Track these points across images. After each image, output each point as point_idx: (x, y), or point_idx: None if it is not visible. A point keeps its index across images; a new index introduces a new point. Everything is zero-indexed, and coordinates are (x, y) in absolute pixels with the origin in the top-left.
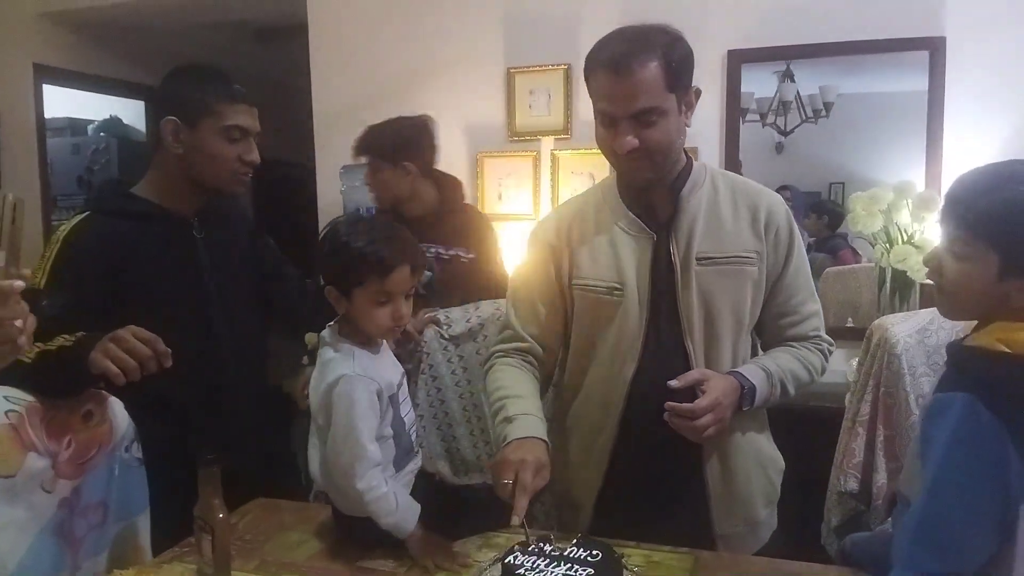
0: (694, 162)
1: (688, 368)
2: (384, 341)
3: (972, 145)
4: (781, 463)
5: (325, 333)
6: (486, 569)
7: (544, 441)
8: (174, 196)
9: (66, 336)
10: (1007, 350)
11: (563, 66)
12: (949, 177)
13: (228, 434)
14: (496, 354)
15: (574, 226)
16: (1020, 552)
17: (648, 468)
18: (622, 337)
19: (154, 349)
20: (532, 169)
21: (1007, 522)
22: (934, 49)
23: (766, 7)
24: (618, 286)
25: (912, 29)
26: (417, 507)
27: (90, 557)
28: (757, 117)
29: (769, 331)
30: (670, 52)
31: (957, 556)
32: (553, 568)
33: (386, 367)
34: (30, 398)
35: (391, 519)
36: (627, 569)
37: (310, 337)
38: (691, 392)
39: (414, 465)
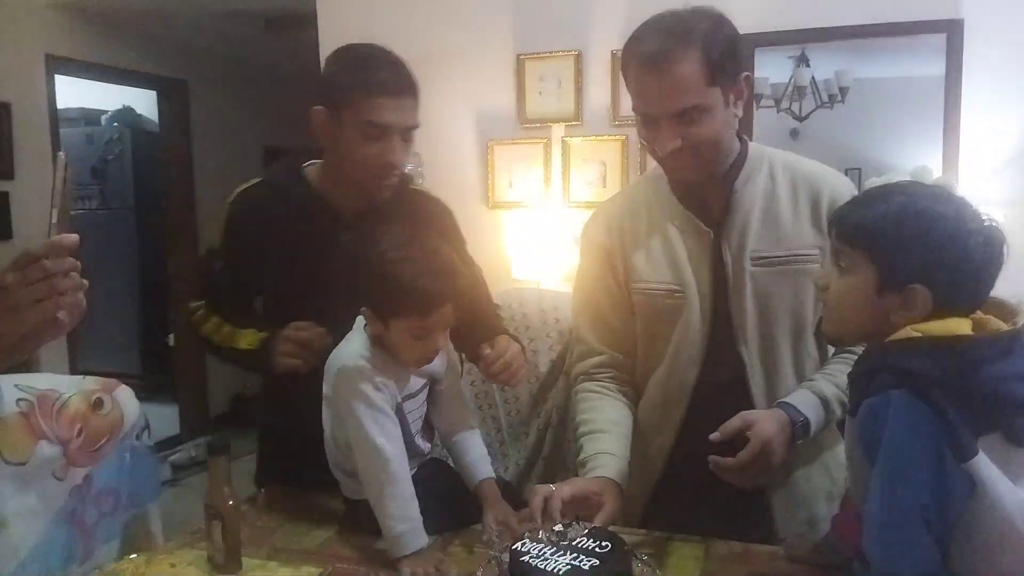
0: (750, 146)
1: (743, 377)
2: None
3: (989, 129)
4: (842, 457)
5: (360, 320)
6: (498, 554)
7: (614, 480)
8: (331, 186)
9: (254, 332)
10: (921, 334)
11: (573, 52)
12: (966, 162)
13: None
14: (579, 379)
15: (625, 226)
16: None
17: (704, 469)
18: (683, 340)
19: (323, 344)
20: (543, 156)
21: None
22: (951, 32)
23: None
24: (677, 288)
25: (929, 11)
26: (423, 538)
27: (102, 544)
28: (772, 103)
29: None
30: (711, 42)
31: (925, 549)
32: (558, 556)
33: (403, 373)
34: (43, 386)
35: (392, 525)
36: (637, 559)
37: None
38: (746, 402)
39: (415, 463)
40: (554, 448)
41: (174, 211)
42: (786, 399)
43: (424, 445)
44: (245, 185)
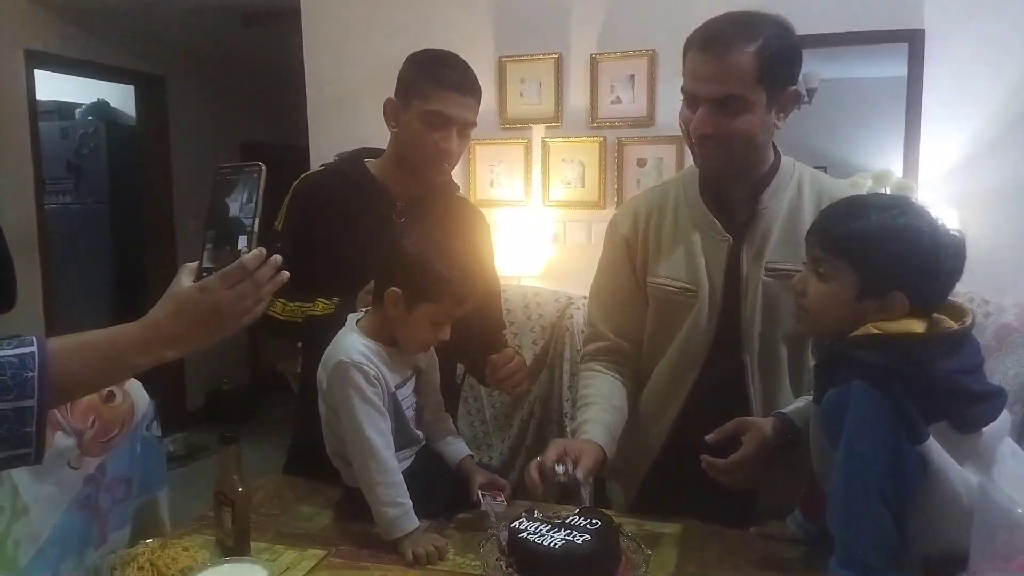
0: (783, 159)
1: (743, 380)
2: None
3: (947, 133)
4: None
5: (351, 318)
6: (495, 533)
7: (594, 441)
8: (392, 175)
9: (324, 300)
10: (880, 332)
11: (554, 55)
12: (926, 165)
13: None
14: (585, 358)
15: (651, 221)
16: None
17: (695, 463)
18: (690, 338)
19: None
20: (523, 156)
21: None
22: (913, 41)
23: None
24: (691, 288)
25: (892, 21)
26: (414, 521)
27: (116, 529)
28: None
29: None
30: (770, 43)
31: (884, 524)
32: (553, 533)
33: (395, 364)
34: None
35: (385, 511)
36: (623, 535)
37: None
38: (744, 407)
39: (412, 449)
40: (537, 439)
41: (151, 206)
42: (783, 410)
43: (418, 433)
44: (310, 172)
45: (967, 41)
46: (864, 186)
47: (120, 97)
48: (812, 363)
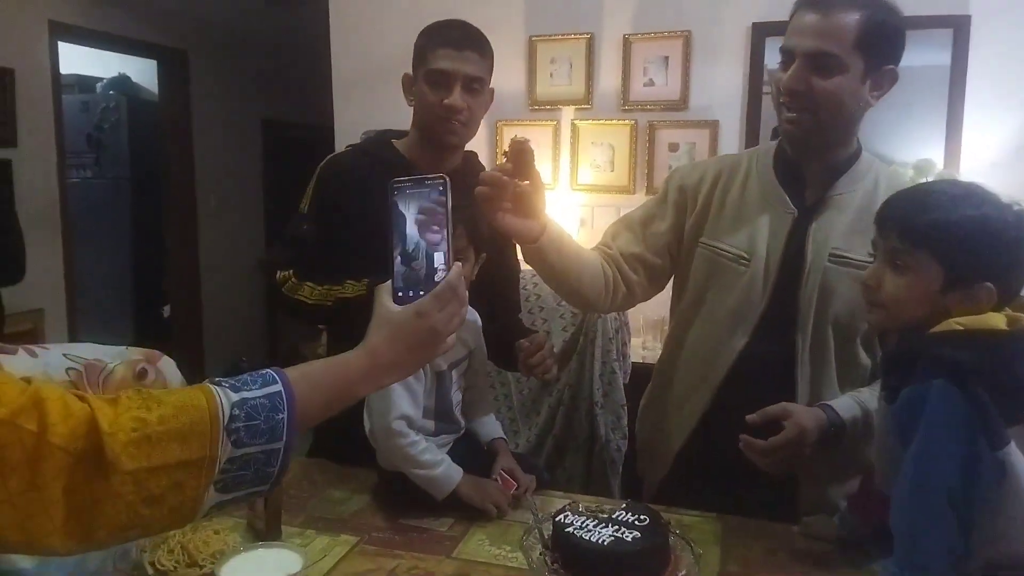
0: (864, 153)
1: (792, 362)
2: None
3: (990, 124)
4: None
5: None
6: (539, 524)
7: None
8: (418, 152)
9: (353, 282)
10: (964, 327)
11: (586, 35)
12: (967, 156)
13: None
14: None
15: (719, 183)
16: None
17: (735, 439)
18: (739, 307)
19: None
20: (552, 139)
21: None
22: (958, 27)
23: None
24: (745, 256)
25: (938, 6)
26: (458, 469)
27: None
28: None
29: None
30: (875, 15)
31: (949, 529)
32: (601, 528)
33: None
34: (89, 356)
35: (425, 473)
36: (673, 533)
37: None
38: (788, 389)
39: (451, 436)
40: (565, 427)
41: (172, 182)
42: (830, 402)
43: (460, 420)
44: (337, 152)
45: (1014, 29)
46: (906, 176)
47: (142, 72)
48: (864, 359)
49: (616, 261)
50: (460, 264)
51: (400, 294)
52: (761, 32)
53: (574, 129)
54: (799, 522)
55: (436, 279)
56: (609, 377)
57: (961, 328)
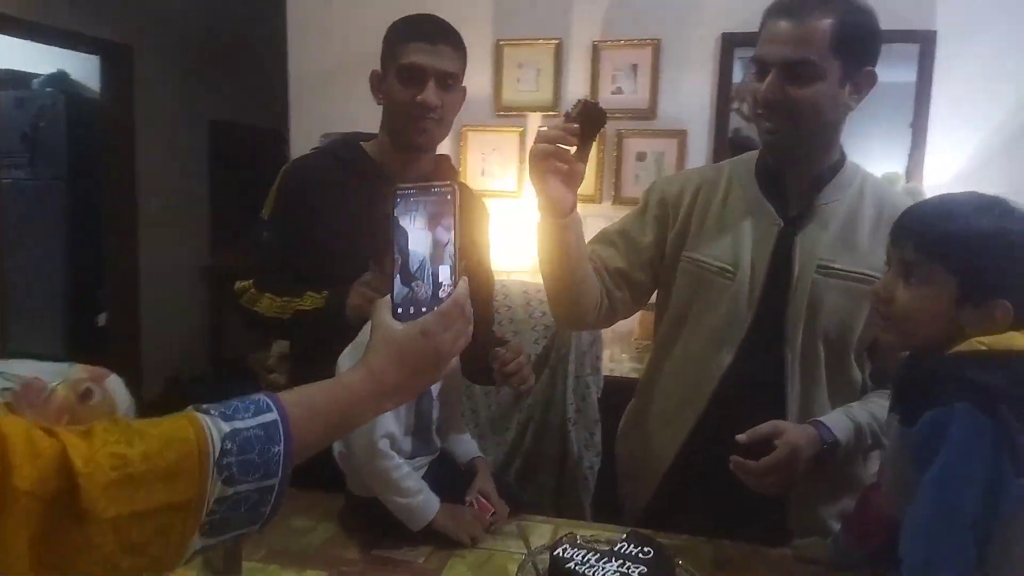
0: (848, 161)
1: (781, 378)
2: None
3: (954, 139)
4: (860, 469)
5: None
6: (533, 558)
7: None
8: (388, 153)
9: (313, 293)
10: (987, 347)
11: (554, 40)
12: (931, 170)
13: None
14: None
15: (700, 195)
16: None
17: (722, 460)
18: (724, 322)
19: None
20: (518, 145)
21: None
22: (924, 42)
23: None
24: (730, 269)
25: (904, 21)
26: (436, 499)
27: None
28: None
29: (882, 361)
30: (848, 17)
31: (967, 555)
32: (604, 564)
33: None
34: (26, 374)
35: (405, 502)
36: (680, 567)
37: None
38: (778, 406)
39: (427, 459)
40: (535, 444)
41: (112, 184)
42: (821, 418)
43: (436, 441)
44: (301, 156)
45: (978, 45)
46: (897, 185)
47: (83, 69)
48: (855, 373)
49: (599, 274)
50: (467, 280)
51: (400, 310)
52: (730, 42)
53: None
54: (791, 545)
55: (441, 295)
56: (583, 392)
57: (985, 348)
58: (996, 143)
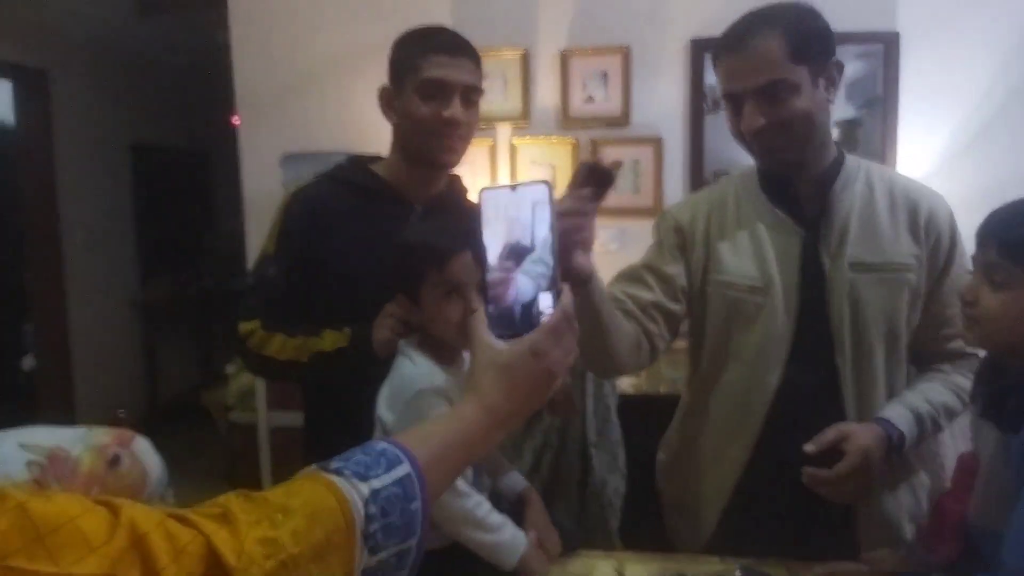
0: (848, 156)
1: (836, 385)
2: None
3: (921, 136)
4: (927, 480)
5: (403, 344)
6: None
7: None
8: (402, 174)
9: (333, 331)
10: None
11: (520, 49)
12: (901, 169)
13: None
14: None
15: (713, 218)
16: None
17: (785, 482)
18: (766, 340)
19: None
20: (488, 159)
21: None
22: (888, 43)
23: None
24: (760, 286)
25: (867, 23)
26: (522, 533)
27: None
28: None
29: (920, 346)
30: (796, 23)
31: None
32: None
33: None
34: (49, 444)
35: (492, 539)
36: None
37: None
38: (835, 417)
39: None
40: (552, 470)
41: (32, 217)
42: (881, 414)
43: (487, 480)
44: (300, 184)
45: (941, 44)
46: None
47: None
48: (907, 366)
49: (633, 315)
50: (569, 287)
51: (499, 327)
52: (700, 48)
53: (512, 149)
54: (862, 558)
55: (542, 308)
56: (604, 414)
57: None
58: (962, 139)
